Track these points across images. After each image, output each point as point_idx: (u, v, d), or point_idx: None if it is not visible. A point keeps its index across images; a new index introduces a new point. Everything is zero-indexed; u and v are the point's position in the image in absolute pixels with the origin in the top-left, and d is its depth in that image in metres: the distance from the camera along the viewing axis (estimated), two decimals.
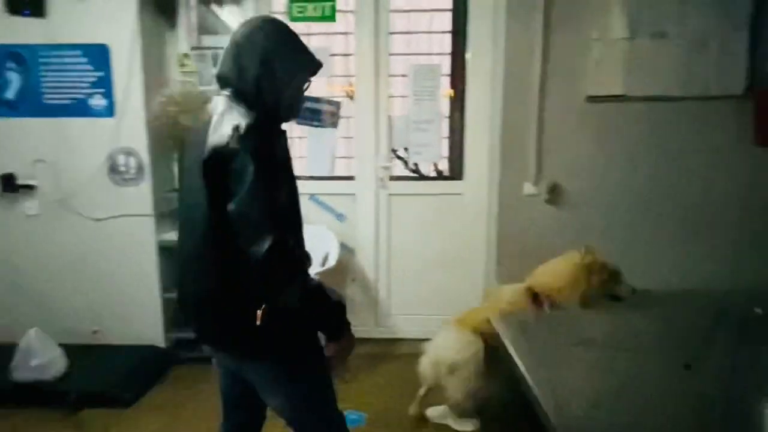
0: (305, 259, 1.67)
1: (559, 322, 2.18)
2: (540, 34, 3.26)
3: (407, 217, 3.72)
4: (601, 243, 3.33)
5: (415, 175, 3.84)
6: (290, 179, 1.61)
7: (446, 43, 3.67)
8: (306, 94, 1.68)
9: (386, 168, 3.66)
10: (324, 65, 1.69)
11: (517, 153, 3.41)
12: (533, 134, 3.37)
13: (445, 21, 3.66)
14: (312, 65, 1.64)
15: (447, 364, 2.57)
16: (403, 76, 3.60)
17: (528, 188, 3.42)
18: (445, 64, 3.64)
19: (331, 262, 3.42)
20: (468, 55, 3.55)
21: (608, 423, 1.38)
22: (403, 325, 3.81)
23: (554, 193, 3.42)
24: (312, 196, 3.68)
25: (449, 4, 3.62)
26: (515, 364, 1.63)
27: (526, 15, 3.26)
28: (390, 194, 3.70)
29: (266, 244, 1.39)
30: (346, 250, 3.70)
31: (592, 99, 3.31)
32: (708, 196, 3.36)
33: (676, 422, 1.37)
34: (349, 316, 1.61)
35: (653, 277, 3.28)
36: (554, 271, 2.54)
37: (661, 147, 3.35)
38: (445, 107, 3.68)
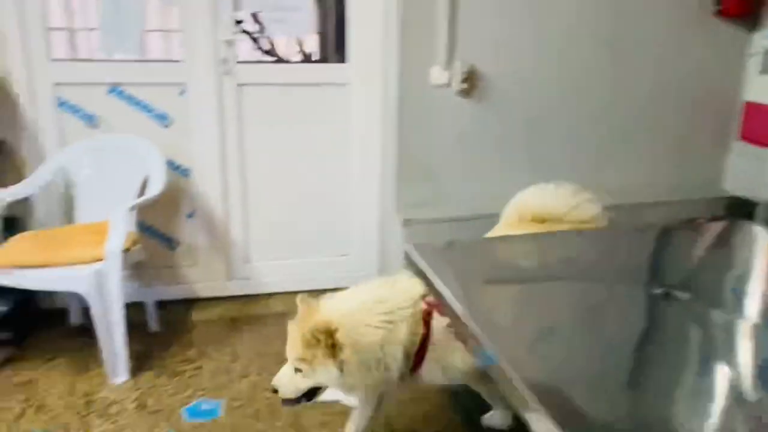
0: None
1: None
2: None
3: (268, 118, 2.58)
4: (529, 149, 2.61)
5: (272, 58, 2.69)
6: None
7: None
8: None
9: (230, 44, 2.45)
10: None
11: (422, 25, 2.40)
12: None
13: None
14: None
15: None
16: None
17: (437, 75, 2.45)
18: None
19: (155, 189, 2.27)
20: None
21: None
22: (267, 275, 2.74)
23: (470, 82, 2.48)
24: (114, 89, 2.39)
25: None
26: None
27: None
28: (239, 84, 2.51)
29: None
30: (177, 170, 2.52)
31: None
32: (657, 84, 2.66)
33: None
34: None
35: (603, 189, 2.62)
36: None
37: (605, 23, 2.54)
38: None
